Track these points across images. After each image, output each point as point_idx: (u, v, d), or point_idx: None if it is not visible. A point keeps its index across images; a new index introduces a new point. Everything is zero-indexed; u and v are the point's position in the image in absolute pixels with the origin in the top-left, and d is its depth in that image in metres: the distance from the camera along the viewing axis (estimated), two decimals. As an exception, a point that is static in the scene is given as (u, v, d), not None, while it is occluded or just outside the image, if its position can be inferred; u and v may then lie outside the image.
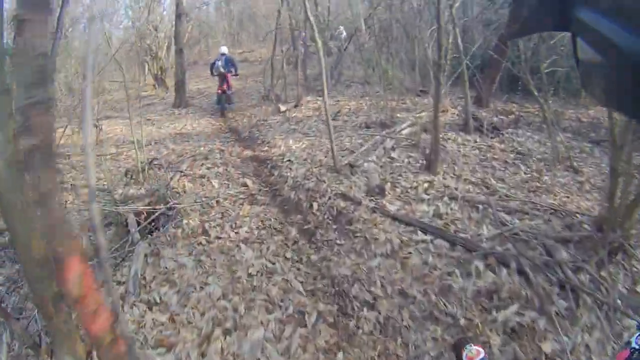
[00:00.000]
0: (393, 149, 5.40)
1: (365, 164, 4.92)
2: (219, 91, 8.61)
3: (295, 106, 8.31)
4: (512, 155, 5.11)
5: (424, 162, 4.82)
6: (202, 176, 5.08)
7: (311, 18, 4.69)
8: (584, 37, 0.35)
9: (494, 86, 7.24)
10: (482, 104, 7.18)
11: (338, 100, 8.68)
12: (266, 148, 6.08)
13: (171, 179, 4.75)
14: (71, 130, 7.58)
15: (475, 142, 5.55)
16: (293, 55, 14.06)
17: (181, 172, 5.10)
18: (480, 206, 3.85)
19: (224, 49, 8.79)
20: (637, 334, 1.03)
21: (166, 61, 12.73)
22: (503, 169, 4.77)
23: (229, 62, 8.51)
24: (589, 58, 0.35)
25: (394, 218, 3.83)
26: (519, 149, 5.31)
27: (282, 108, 8.05)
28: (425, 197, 4.13)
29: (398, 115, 6.78)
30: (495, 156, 5.08)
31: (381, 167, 4.91)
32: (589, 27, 0.33)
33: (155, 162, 5.59)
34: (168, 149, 6.64)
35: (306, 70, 10.04)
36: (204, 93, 12.00)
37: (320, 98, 9.22)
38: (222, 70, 8.36)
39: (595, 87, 0.37)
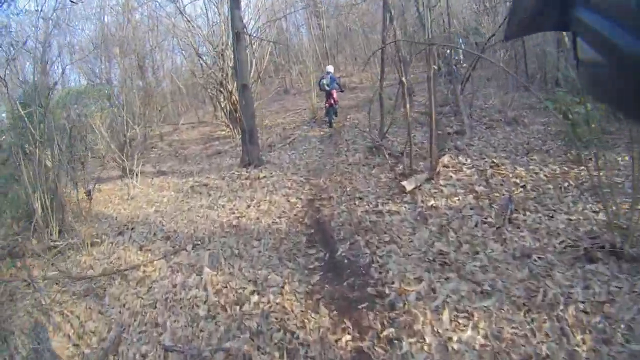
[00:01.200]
0: None
1: None
2: (327, 105, 9.17)
3: (429, 179, 4.71)
4: None
5: None
6: None
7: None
8: (584, 37, 0.35)
9: None
10: None
11: (494, 163, 4.94)
12: (390, 330, 2.54)
13: None
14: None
15: None
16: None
17: None
18: None
19: (330, 68, 9.51)
20: None
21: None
22: None
23: (333, 81, 9.04)
24: (589, 58, 0.34)
25: None
26: None
27: (408, 187, 4.50)
28: None
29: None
30: None
31: None
32: (589, 27, 0.32)
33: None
34: (199, 282, 3.57)
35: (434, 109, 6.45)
36: (290, 135, 9.08)
37: (464, 159, 5.51)
38: (326, 88, 8.95)
39: (596, 87, 0.36)
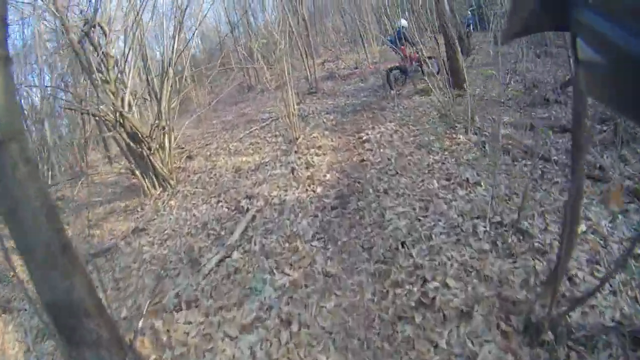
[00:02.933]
0: None
1: None
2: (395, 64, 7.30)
3: None
4: None
5: None
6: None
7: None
8: (584, 37, 0.33)
9: None
10: None
11: None
12: None
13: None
14: None
15: None
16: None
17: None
18: None
19: (403, 22, 7.22)
20: None
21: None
22: None
23: (396, 37, 7.10)
24: (589, 58, 0.32)
25: None
26: None
27: None
28: None
29: None
30: None
31: None
32: (589, 27, 0.31)
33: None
34: None
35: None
36: (249, 199, 3.98)
37: None
38: (391, 45, 7.54)
39: (596, 88, 0.34)
